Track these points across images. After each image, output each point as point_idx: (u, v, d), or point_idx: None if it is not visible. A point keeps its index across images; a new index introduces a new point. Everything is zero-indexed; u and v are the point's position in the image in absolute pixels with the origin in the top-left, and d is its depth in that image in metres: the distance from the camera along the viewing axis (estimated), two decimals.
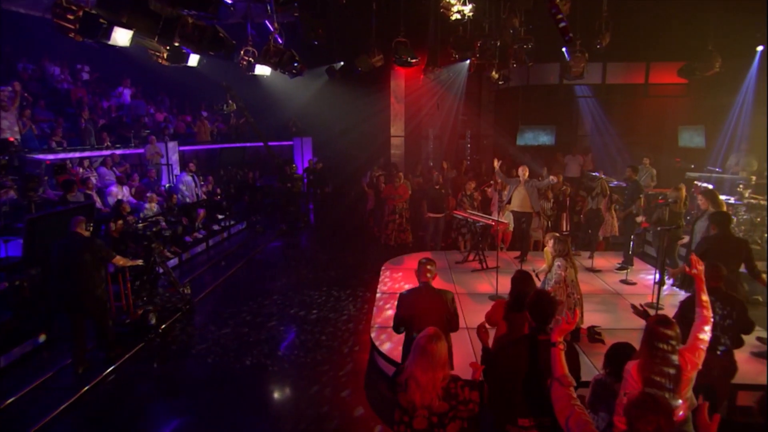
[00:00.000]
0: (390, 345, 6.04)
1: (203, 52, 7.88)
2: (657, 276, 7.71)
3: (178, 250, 10.10)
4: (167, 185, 12.29)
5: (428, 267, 4.35)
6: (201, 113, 15.96)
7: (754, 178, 9.90)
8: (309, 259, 10.56)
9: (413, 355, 2.83)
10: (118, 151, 11.54)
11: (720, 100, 12.65)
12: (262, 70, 10.95)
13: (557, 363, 2.80)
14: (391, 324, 6.59)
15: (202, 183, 12.05)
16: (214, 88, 13.42)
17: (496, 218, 9.24)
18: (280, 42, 9.86)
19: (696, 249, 5.71)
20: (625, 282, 8.24)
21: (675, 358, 2.96)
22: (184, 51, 8.60)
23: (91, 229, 6.27)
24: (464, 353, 5.75)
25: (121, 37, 6.92)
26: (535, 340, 3.19)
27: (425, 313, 4.15)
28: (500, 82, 12.08)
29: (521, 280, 4.31)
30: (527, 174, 9.23)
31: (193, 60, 9.14)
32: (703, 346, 3.16)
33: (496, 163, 9.40)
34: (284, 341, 6.78)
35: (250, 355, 6.39)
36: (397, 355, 5.75)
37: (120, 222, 7.50)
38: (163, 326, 7.04)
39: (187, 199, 10.89)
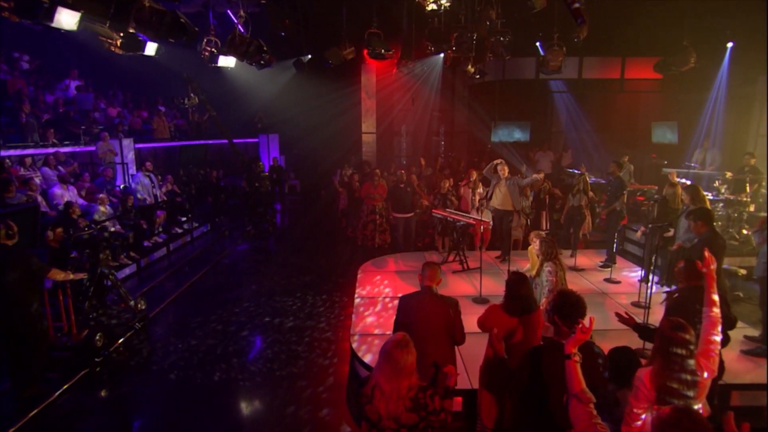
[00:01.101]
0: (372, 356, 5.55)
1: (162, 40, 7.12)
2: (643, 274, 7.55)
3: (135, 255, 9.29)
4: (122, 185, 11.41)
5: (435, 270, 3.97)
6: (158, 108, 14.98)
7: (729, 174, 9.90)
8: (280, 263, 9.91)
9: (378, 361, 2.66)
10: (64, 149, 10.56)
11: (692, 96, 12.73)
12: (226, 61, 10.28)
13: (574, 377, 2.54)
14: (373, 332, 6.29)
15: (161, 182, 11.21)
16: (174, 81, 12.58)
17: (476, 217, 8.90)
18: (244, 32, 9.22)
19: (695, 249, 5.45)
20: (609, 280, 8.03)
21: (692, 362, 2.78)
22: (140, 38, 7.84)
23: (32, 235, 5.50)
24: None
25: (67, 19, 6.12)
26: (561, 346, 2.83)
27: (424, 321, 3.78)
28: (476, 77, 11.75)
29: (517, 282, 3.99)
30: (507, 171, 8.91)
31: (151, 48, 8.34)
32: (717, 350, 3.00)
33: (496, 162, 8.97)
34: (257, 353, 6.18)
35: (218, 369, 5.79)
36: None
37: (59, 230, 6.56)
38: (113, 348, 6.17)
39: (146, 200, 10.05)
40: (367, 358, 5.53)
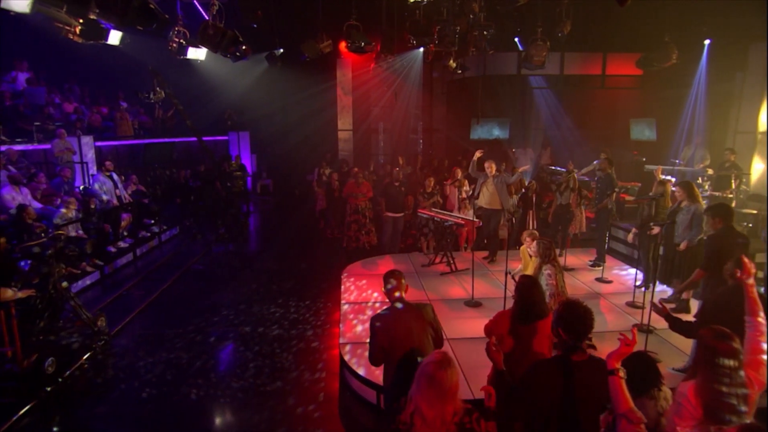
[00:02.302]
0: (365, 369, 5.13)
1: (129, 28, 6.47)
2: (637, 274, 7.37)
3: (99, 262, 8.57)
4: (82, 187, 10.58)
5: (394, 282, 3.57)
6: (120, 104, 14.06)
7: (711, 171, 9.91)
8: (257, 268, 9.33)
9: (418, 385, 2.35)
10: (15, 147, 9.69)
11: (670, 92, 12.79)
12: (196, 54, 9.68)
13: (620, 395, 2.32)
14: (365, 340, 5.86)
15: (125, 183, 10.45)
16: (137, 74, 11.79)
17: (464, 216, 8.61)
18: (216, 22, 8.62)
19: (708, 247, 5.25)
20: (600, 280, 7.85)
21: (742, 374, 2.54)
22: (102, 26, 7.15)
23: None
24: None
25: (18, 1, 5.49)
26: (569, 361, 2.71)
27: (407, 335, 3.41)
28: (458, 72, 11.45)
29: (529, 287, 3.71)
30: (494, 169, 8.63)
31: (115, 37, 7.62)
32: (765, 360, 2.78)
33: (478, 154, 8.67)
34: (239, 367, 5.66)
35: (196, 386, 5.29)
36: (375, 376, 4.87)
37: (2, 240, 5.77)
38: (68, 373, 5.45)
39: (110, 203, 9.28)
40: (361, 371, 5.12)
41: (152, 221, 10.68)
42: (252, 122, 15.23)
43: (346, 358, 5.35)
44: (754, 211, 8.90)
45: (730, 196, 8.74)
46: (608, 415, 2.41)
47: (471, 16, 9.67)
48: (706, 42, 11.42)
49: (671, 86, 12.69)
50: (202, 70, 12.91)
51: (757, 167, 10.72)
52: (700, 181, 9.60)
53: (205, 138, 12.18)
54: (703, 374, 2.58)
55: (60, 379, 5.32)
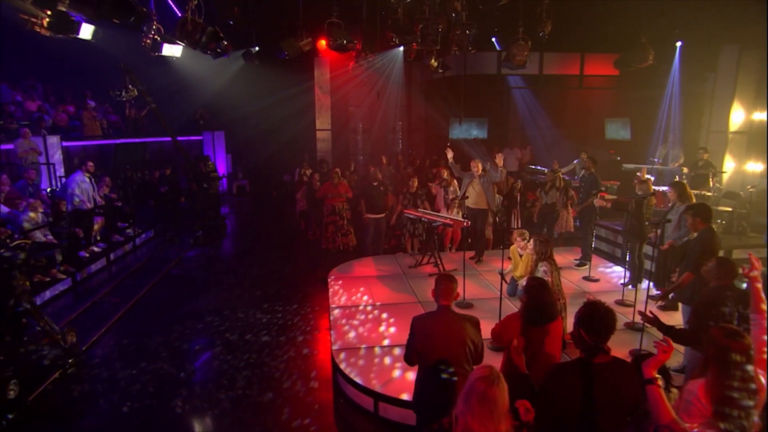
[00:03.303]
0: (361, 377, 4.97)
1: (104, 21, 6.10)
2: (627, 276, 7.44)
3: (70, 268, 8.14)
4: (49, 189, 10.07)
5: (452, 286, 3.46)
6: (88, 102, 13.46)
7: (686, 169, 10.15)
8: (239, 272, 9.02)
9: (468, 403, 2.19)
10: None
11: (644, 93, 13.07)
12: (171, 50, 9.31)
13: (661, 406, 2.31)
14: (359, 346, 5.71)
15: (98, 185, 9.96)
16: (106, 71, 11.28)
17: (450, 217, 8.53)
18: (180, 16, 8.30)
19: (692, 252, 5.29)
20: (588, 279, 7.89)
21: (751, 368, 2.56)
22: (73, 18, 6.75)
23: None
24: None
25: None
26: (592, 364, 2.65)
27: (444, 344, 3.33)
28: (439, 71, 11.39)
29: (538, 288, 3.62)
30: (480, 168, 8.59)
31: (86, 31, 7.20)
32: None
33: (450, 154, 8.64)
34: (227, 378, 5.39)
35: (181, 398, 5.01)
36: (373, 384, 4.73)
37: None
38: (33, 395, 5.00)
39: (85, 205, 8.81)
40: (357, 378, 4.96)
41: (126, 224, 10.22)
42: (227, 122, 14.81)
43: (342, 366, 5.17)
44: (729, 209, 9.15)
45: (708, 194, 8.94)
46: (648, 427, 2.33)
47: (453, 15, 9.62)
48: (678, 44, 11.71)
49: (645, 87, 12.97)
50: (175, 68, 12.46)
51: (728, 165, 11.05)
52: (677, 179, 9.80)
53: (179, 138, 11.78)
54: (715, 373, 2.58)
55: (27, 403, 4.87)
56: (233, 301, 7.50)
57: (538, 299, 3.56)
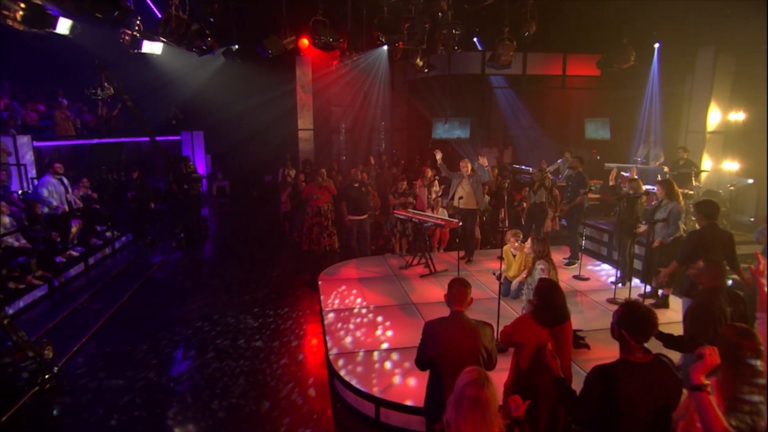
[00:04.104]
0: (361, 384, 4.87)
1: (83, 16, 5.81)
2: (618, 274, 7.52)
3: (46, 274, 7.78)
4: (20, 191, 9.62)
5: (465, 291, 3.37)
6: (60, 101, 12.93)
7: (666, 169, 10.35)
8: (225, 275, 8.77)
9: (459, 409, 2.15)
10: None
11: (623, 93, 13.29)
12: (151, 47, 9.01)
13: (711, 413, 2.22)
14: (357, 351, 5.60)
15: (74, 186, 9.56)
16: (79, 69, 10.85)
17: (442, 217, 8.51)
18: (158, 14, 8.05)
19: (685, 245, 5.39)
20: (578, 278, 7.96)
21: (760, 363, 2.58)
22: (49, 12, 6.42)
23: None
24: None
25: None
26: (636, 364, 2.63)
27: (456, 352, 3.24)
28: (425, 70, 11.35)
29: (550, 290, 3.60)
30: (470, 168, 8.58)
31: (64, 26, 6.85)
32: None
33: (438, 155, 8.61)
34: (220, 387, 5.19)
35: (170, 409, 4.80)
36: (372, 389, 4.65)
37: None
38: (6, 416, 4.60)
39: (59, 209, 8.44)
40: (355, 382, 4.87)
41: (105, 227, 9.85)
42: (207, 121, 14.43)
43: (342, 373, 5.06)
44: None
45: (691, 192, 9.11)
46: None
47: (439, 14, 9.57)
48: (656, 46, 11.94)
49: (624, 87, 13.20)
50: (155, 65, 12.07)
51: (705, 164, 11.32)
52: (659, 178, 9.98)
53: (157, 138, 11.41)
54: (726, 371, 2.59)
55: None
56: (222, 306, 7.28)
57: (550, 301, 3.54)
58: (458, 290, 3.38)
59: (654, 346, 2.79)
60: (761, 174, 10.24)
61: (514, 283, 6.90)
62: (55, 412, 4.85)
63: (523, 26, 9.84)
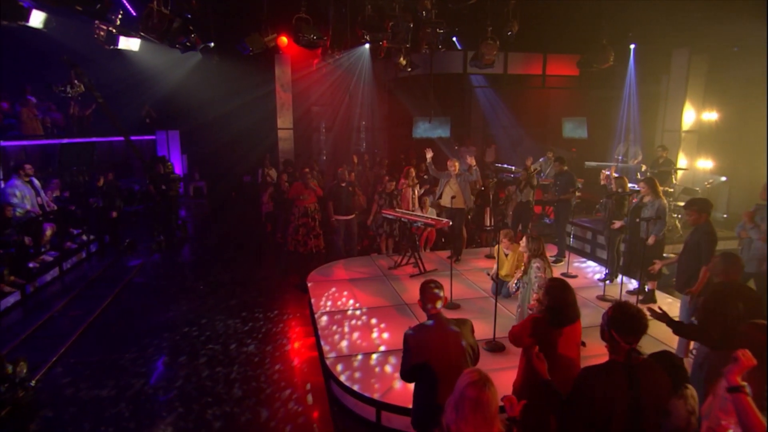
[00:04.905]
0: (361, 388, 4.78)
1: (62, 8, 5.51)
2: (601, 269, 7.63)
3: (19, 280, 7.40)
4: None
5: (436, 292, 3.32)
6: (27, 98, 12.34)
7: (645, 167, 10.59)
8: (209, 278, 8.50)
9: (460, 411, 2.12)
10: None
11: (599, 93, 13.55)
12: (128, 43, 8.68)
13: (751, 415, 2.20)
14: (355, 354, 5.49)
15: (45, 188, 9.14)
16: (49, 65, 10.38)
17: (433, 217, 8.48)
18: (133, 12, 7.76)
19: (709, 246, 5.35)
20: (566, 275, 8.02)
21: None
22: (21, 4, 6.09)
23: None
24: None
25: None
26: (627, 365, 2.58)
27: (444, 354, 3.18)
28: (408, 69, 11.30)
29: (561, 289, 3.54)
30: (458, 167, 8.58)
31: (37, 18, 6.50)
32: None
33: (429, 154, 8.57)
34: (212, 395, 5.00)
35: (161, 420, 4.60)
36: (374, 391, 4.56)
37: None
38: None
39: (30, 213, 8.03)
40: (359, 388, 4.77)
41: (80, 230, 9.44)
42: (183, 120, 14.01)
43: (342, 378, 4.94)
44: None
45: (670, 190, 9.33)
46: None
47: (423, 13, 9.54)
48: (632, 47, 12.21)
49: (601, 87, 13.46)
50: (128, 63, 11.62)
51: (681, 162, 11.64)
52: (638, 176, 10.20)
53: (131, 138, 11.01)
54: (753, 370, 2.51)
55: None
56: (209, 310, 7.05)
57: (561, 300, 3.48)
58: (429, 292, 3.33)
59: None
60: (733, 172, 10.60)
61: (512, 283, 6.88)
62: (34, 427, 4.58)
63: (505, 26, 9.90)
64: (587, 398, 2.62)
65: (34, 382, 5.00)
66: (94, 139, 12.52)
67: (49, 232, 8.32)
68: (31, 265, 7.86)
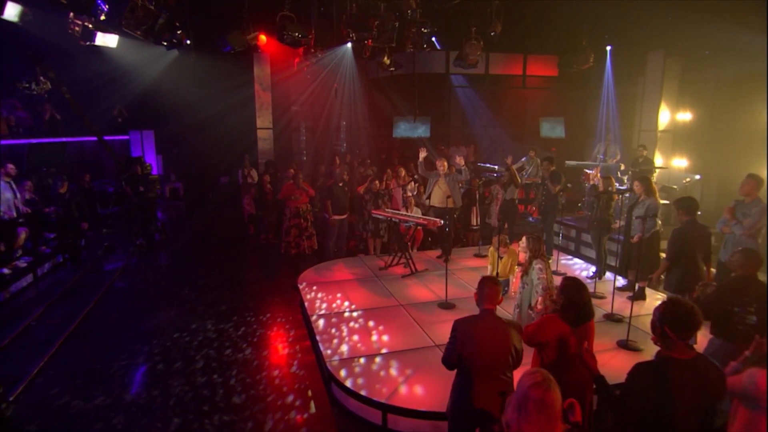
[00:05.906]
0: (366, 391, 4.70)
1: (39, 1, 5.22)
2: (594, 270, 7.74)
3: None
4: None
5: (497, 289, 3.37)
6: None
7: (623, 166, 10.84)
8: (194, 282, 8.24)
9: (524, 412, 2.09)
10: None
11: (577, 93, 13.81)
12: (105, 39, 8.35)
13: None
14: (357, 356, 5.39)
15: (18, 190, 8.67)
16: (15, 60, 9.87)
17: (424, 217, 8.46)
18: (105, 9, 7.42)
19: (673, 243, 5.55)
20: (555, 273, 8.09)
21: None
22: None
23: None
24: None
25: None
26: (679, 361, 2.61)
27: (488, 350, 3.24)
28: (391, 69, 11.25)
29: (576, 288, 3.57)
30: (446, 167, 8.59)
31: (12, 11, 6.15)
32: None
33: (422, 154, 8.54)
34: (209, 403, 4.81)
35: (155, 429, 4.40)
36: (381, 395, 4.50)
37: None
38: None
39: (5, 216, 7.60)
40: (364, 391, 4.69)
41: (53, 234, 9.00)
42: (157, 120, 13.55)
43: (347, 383, 4.83)
44: (667, 201, 9.85)
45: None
46: None
47: (409, 12, 9.52)
48: (608, 48, 12.51)
49: (579, 88, 13.73)
50: (101, 60, 11.13)
51: (658, 162, 11.96)
52: (619, 175, 10.43)
53: (105, 137, 10.57)
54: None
55: None
56: (199, 315, 6.83)
57: (575, 299, 3.52)
58: (490, 289, 3.37)
59: None
60: (705, 170, 10.95)
61: (516, 284, 6.87)
62: None
63: (488, 26, 9.98)
64: (641, 394, 2.64)
65: (11, 398, 4.71)
66: (64, 139, 12.00)
67: (23, 236, 7.89)
68: (4, 271, 7.45)
